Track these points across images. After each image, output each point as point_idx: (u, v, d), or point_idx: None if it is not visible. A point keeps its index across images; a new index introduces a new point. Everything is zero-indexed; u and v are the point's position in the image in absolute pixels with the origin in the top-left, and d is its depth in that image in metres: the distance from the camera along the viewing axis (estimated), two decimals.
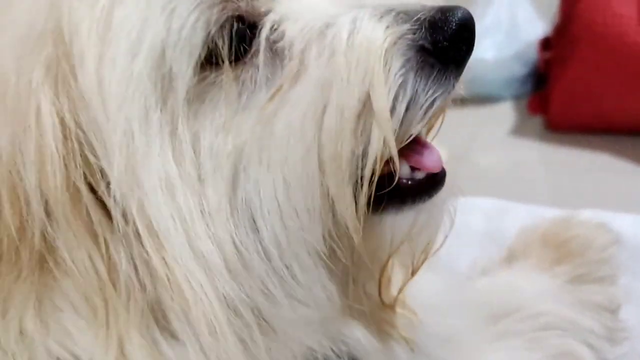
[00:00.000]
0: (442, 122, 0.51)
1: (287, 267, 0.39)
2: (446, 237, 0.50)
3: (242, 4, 0.40)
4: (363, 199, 0.41)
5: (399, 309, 0.49)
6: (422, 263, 0.49)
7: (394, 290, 0.49)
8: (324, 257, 0.40)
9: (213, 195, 0.36)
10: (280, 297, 0.38)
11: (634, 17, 2.15)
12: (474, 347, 0.53)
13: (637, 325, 0.63)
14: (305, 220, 0.38)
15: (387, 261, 0.47)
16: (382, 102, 0.40)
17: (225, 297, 0.36)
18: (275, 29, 0.41)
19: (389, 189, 0.43)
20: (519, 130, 2.51)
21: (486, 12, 2.66)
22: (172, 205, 0.35)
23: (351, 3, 0.43)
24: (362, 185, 0.41)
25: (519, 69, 2.65)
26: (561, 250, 0.67)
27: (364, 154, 0.41)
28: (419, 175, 0.47)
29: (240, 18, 0.39)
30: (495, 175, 2.28)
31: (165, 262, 0.34)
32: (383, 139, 0.40)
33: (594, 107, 2.28)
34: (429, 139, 0.50)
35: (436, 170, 0.47)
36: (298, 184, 0.38)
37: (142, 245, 0.35)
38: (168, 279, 0.34)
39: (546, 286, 0.63)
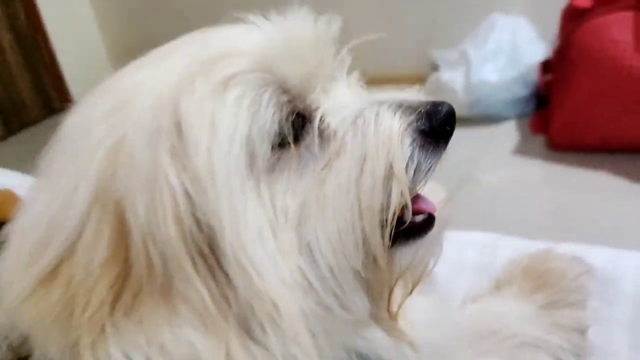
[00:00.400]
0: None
1: (338, 287, 0.52)
2: (437, 261, 0.62)
3: (300, 104, 0.54)
4: (387, 236, 0.54)
5: (399, 320, 0.61)
6: (419, 282, 0.62)
7: (395, 305, 0.62)
8: (361, 279, 0.54)
9: (286, 240, 0.50)
10: (334, 307, 0.52)
11: (629, 42, 2.23)
12: (458, 359, 0.67)
13: (603, 343, 0.74)
14: (350, 254, 0.52)
15: (396, 282, 0.59)
16: (401, 168, 0.54)
17: (301, 309, 0.49)
18: (322, 121, 0.55)
19: (403, 227, 0.56)
20: (521, 148, 2.61)
21: (489, 37, 2.79)
22: (263, 248, 0.49)
23: (370, 99, 0.58)
24: (387, 226, 0.54)
25: (521, 91, 2.75)
26: (539, 281, 0.79)
27: (388, 205, 0.53)
28: (418, 218, 0.58)
29: (299, 114, 0.54)
30: (498, 191, 2.39)
31: (262, 286, 0.47)
32: (401, 193, 0.54)
33: (593, 128, 2.36)
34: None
35: (433, 212, 0.59)
36: (345, 229, 0.52)
37: (240, 276, 0.48)
38: (263, 298, 0.47)
39: (525, 311, 0.74)
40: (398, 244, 0.56)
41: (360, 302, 0.55)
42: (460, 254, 0.93)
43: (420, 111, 0.56)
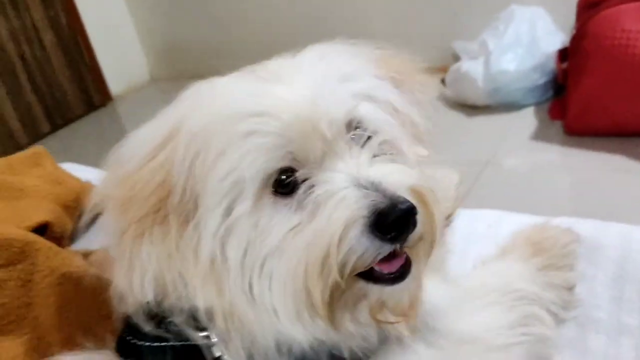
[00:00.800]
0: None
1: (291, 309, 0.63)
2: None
3: (299, 169, 0.64)
4: (325, 294, 0.62)
5: (399, 318, 0.70)
6: (410, 311, 0.69)
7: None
8: (311, 307, 0.63)
9: (253, 258, 0.62)
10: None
11: None
12: (467, 311, 0.79)
13: (587, 297, 0.89)
14: (296, 294, 0.62)
15: (376, 308, 0.67)
16: (333, 253, 0.60)
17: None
18: (309, 188, 0.64)
19: (366, 275, 0.64)
20: (540, 134, 2.69)
21: (508, 28, 2.88)
22: (237, 253, 0.62)
23: (356, 180, 0.64)
24: (325, 288, 0.62)
25: (539, 79, 2.84)
26: (536, 247, 0.92)
27: (328, 274, 0.61)
28: (386, 272, 0.65)
29: (292, 175, 0.64)
30: (518, 175, 2.49)
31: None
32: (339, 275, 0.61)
33: (608, 113, 2.45)
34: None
35: (393, 273, 0.65)
36: (296, 274, 0.61)
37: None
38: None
39: (524, 272, 0.87)
40: (359, 281, 0.65)
41: (312, 324, 0.65)
42: (471, 227, 1.09)
43: (375, 209, 0.61)
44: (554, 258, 0.92)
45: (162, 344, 0.67)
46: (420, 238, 0.66)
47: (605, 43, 2.40)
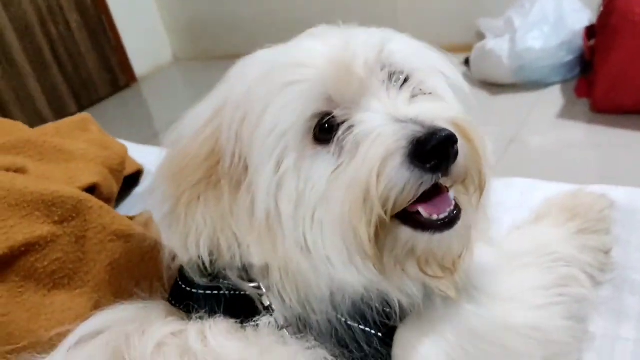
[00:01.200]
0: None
1: (340, 255, 0.64)
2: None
3: (337, 113, 0.65)
4: (371, 230, 0.62)
5: (448, 275, 0.70)
6: (455, 265, 0.70)
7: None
8: (362, 252, 0.64)
9: (305, 209, 0.64)
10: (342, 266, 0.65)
11: None
12: (507, 272, 0.80)
13: (621, 260, 0.90)
14: (345, 236, 0.63)
15: (425, 261, 0.68)
16: (372, 184, 0.61)
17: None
18: (347, 130, 0.65)
19: (398, 214, 0.64)
20: (566, 112, 2.68)
21: (534, 5, 2.86)
22: (288, 207, 0.64)
23: (394, 117, 0.64)
24: (370, 226, 0.62)
25: (566, 56, 2.83)
26: (571, 213, 0.93)
27: (371, 209, 0.61)
28: (434, 218, 0.65)
29: (330, 119, 0.65)
30: (545, 153, 2.49)
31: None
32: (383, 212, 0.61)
33: (636, 90, 2.43)
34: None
35: (442, 219, 0.65)
36: (343, 215, 0.62)
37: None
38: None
39: (560, 235, 0.88)
40: (405, 227, 0.65)
41: (364, 268, 0.65)
42: (504, 195, 1.11)
43: (414, 138, 0.60)
44: (589, 222, 0.93)
45: (215, 292, 0.69)
46: (466, 175, 0.66)
47: (634, 19, 2.37)
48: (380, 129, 0.63)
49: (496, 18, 3.09)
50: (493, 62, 2.91)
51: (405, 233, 0.65)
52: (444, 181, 0.64)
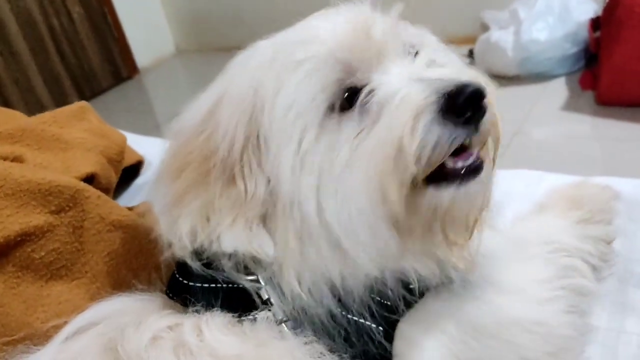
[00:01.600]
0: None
1: (366, 226, 0.62)
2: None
3: (356, 81, 0.65)
4: (403, 194, 0.61)
5: (462, 252, 0.70)
6: (474, 226, 0.69)
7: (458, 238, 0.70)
8: (388, 220, 0.63)
9: (328, 181, 0.62)
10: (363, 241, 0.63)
11: None
12: (511, 261, 0.79)
13: (623, 251, 0.89)
14: (373, 203, 0.62)
15: (448, 222, 0.67)
16: (406, 142, 0.59)
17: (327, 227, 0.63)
18: (367, 95, 0.65)
19: (432, 174, 0.63)
20: (571, 104, 2.67)
21: None
22: (307, 180, 0.62)
23: (415, 77, 0.63)
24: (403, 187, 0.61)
25: (571, 48, 2.81)
26: (574, 202, 0.92)
27: (404, 169, 0.60)
28: (459, 166, 0.64)
29: (350, 87, 0.65)
30: (549, 145, 2.48)
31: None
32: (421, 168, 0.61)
33: (639, 83, 2.41)
34: None
35: (467, 166, 0.64)
36: (370, 178, 0.61)
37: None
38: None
39: (562, 225, 0.88)
40: (429, 187, 0.64)
41: (389, 237, 0.64)
42: (509, 186, 1.10)
43: (445, 92, 0.60)
44: (591, 212, 0.92)
45: (212, 285, 0.68)
46: (489, 132, 0.66)
47: (638, 12, 2.35)
48: (406, 89, 0.62)
49: (501, 10, 3.07)
50: (497, 54, 2.89)
51: (430, 192, 0.64)
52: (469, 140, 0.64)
